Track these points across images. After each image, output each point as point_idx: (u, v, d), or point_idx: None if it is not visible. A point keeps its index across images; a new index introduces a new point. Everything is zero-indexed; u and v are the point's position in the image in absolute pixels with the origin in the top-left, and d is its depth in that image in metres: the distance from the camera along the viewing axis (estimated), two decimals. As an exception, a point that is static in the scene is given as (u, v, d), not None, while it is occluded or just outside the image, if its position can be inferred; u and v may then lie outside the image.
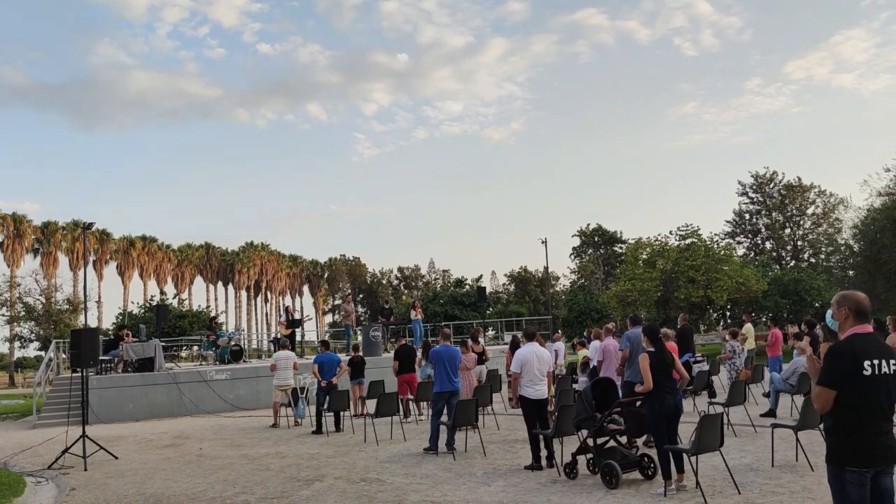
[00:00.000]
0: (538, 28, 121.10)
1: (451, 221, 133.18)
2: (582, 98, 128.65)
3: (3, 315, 47.14)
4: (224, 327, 39.54)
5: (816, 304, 40.11)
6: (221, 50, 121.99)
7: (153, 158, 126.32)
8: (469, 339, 16.33)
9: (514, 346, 15.08)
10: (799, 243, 56.23)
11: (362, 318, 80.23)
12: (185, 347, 36.76)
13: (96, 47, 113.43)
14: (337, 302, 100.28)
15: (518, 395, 9.69)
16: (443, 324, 29.64)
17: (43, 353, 40.52)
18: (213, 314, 45.06)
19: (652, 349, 7.98)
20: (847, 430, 4.04)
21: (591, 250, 78.57)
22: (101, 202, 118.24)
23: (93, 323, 54.78)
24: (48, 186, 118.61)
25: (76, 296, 50.15)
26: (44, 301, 46.05)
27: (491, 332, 39.35)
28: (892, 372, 4.05)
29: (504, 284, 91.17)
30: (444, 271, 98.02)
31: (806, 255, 55.26)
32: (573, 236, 79.71)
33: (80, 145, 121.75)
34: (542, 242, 45.85)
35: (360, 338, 24.31)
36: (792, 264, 52.68)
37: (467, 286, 61.89)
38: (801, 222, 56.45)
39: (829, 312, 4.45)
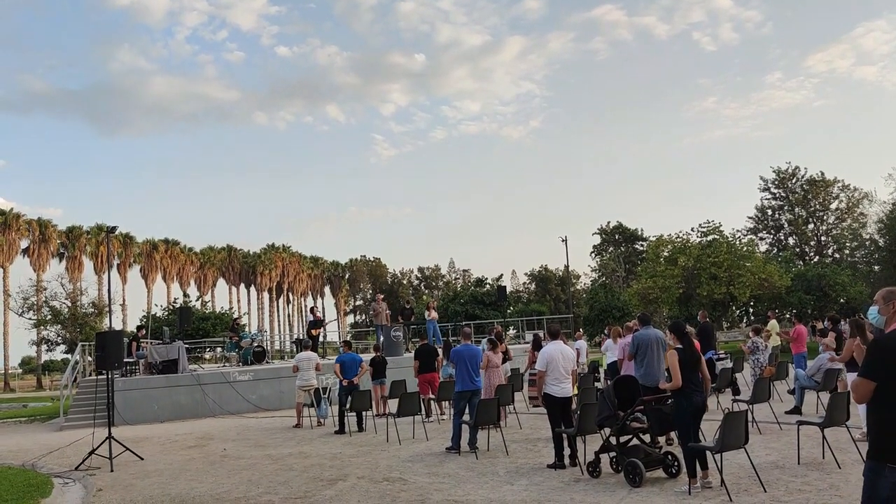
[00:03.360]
0: (555, 25, 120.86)
1: (471, 221, 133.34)
2: (600, 95, 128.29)
3: (30, 319, 47.79)
4: (246, 329, 39.81)
5: (841, 300, 39.66)
6: (240, 53, 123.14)
7: (174, 162, 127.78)
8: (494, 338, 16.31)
9: (537, 344, 15.03)
10: (823, 238, 55.58)
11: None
12: (208, 349, 37.05)
13: (116, 53, 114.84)
14: (359, 302, 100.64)
15: (543, 393, 9.66)
16: (463, 323, 29.64)
17: (69, 355, 41.00)
18: (235, 316, 45.39)
19: (679, 346, 7.90)
20: (890, 425, 3.97)
21: (611, 248, 78.22)
22: (123, 206, 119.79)
23: (117, 326, 55.34)
24: (71, 191, 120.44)
25: (101, 299, 50.68)
26: (69, 304, 46.59)
27: (512, 332, 39.25)
28: None
29: (524, 283, 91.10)
30: (464, 271, 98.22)
31: (830, 251, 54.62)
32: (593, 234, 79.55)
33: (102, 150, 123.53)
34: (563, 241, 45.78)
35: (381, 338, 24.38)
36: (816, 260, 52.09)
37: (488, 285, 61.87)
38: (825, 217, 55.78)
39: (871, 308, 4.40)
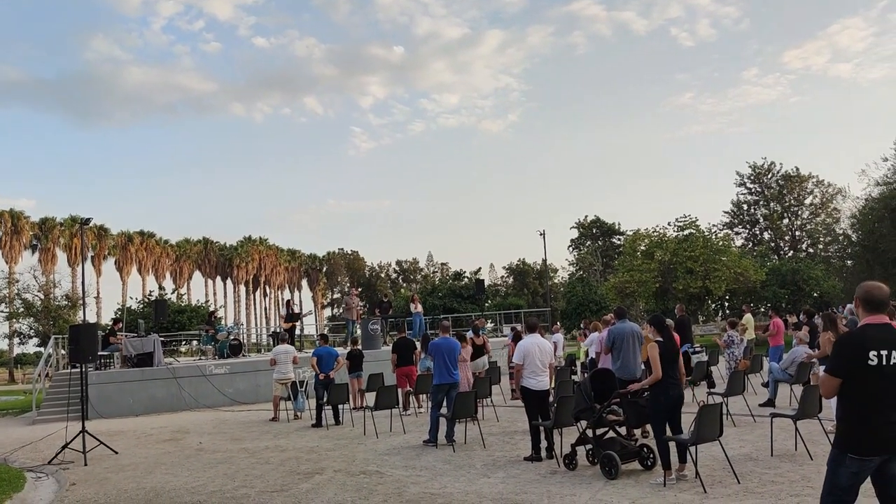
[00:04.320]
0: (534, 19, 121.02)
1: (449, 214, 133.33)
2: (579, 89, 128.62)
3: (2, 311, 47.14)
4: (223, 322, 39.54)
5: (815, 294, 40.18)
6: (217, 44, 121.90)
7: (150, 153, 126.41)
8: (470, 332, 16.35)
9: (517, 338, 15.07)
10: (797, 233, 56.27)
11: (362, 313, 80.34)
12: (184, 342, 36.76)
13: (91, 42, 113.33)
14: (336, 296, 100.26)
15: (520, 386, 9.69)
16: (441, 316, 29.66)
17: (42, 349, 40.53)
18: (211, 309, 45.09)
19: (660, 339, 7.94)
20: (855, 418, 4.11)
21: (589, 242, 78.62)
22: (98, 198, 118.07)
23: (91, 318, 54.80)
24: (45, 182, 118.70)
25: (74, 291, 50.13)
26: (42, 297, 46.03)
27: (490, 325, 39.33)
28: None
29: (502, 277, 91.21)
30: (442, 264, 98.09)
31: (804, 245, 55.32)
32: (571, 228, 79.86)
33: (77, 141, 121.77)
34: (541, 234, 45.94)
35: (359, 331, 24.33)
36: (790, 254, 52.73)
37: (466, 279, 61.97)
38: (800, 212, 56.49)
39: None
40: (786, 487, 7.27)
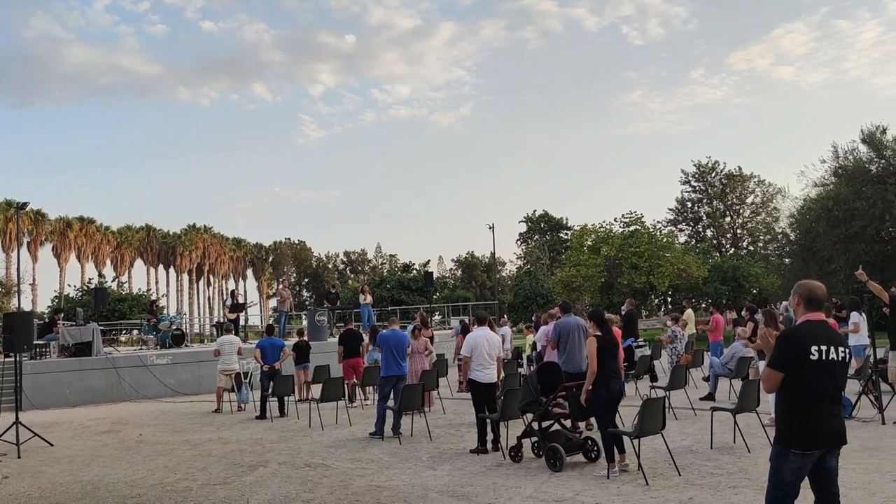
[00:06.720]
0: (487, 13, 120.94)
1: (399, 206, 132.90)
2: (530, 84, 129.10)
3: (-70, 298, 45.33)
4: (165, 311, 38.76)
5: (754, 291, 41.24)
6: (163, 26, 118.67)
7: (92, 136, 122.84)
8: (416, 324, 16.30)
9: (465, 330, 15.09)
10: (738, 231, 57.67)
11: (307, 303, 79.73)
12: (124, 332, 35.93)
13: (30, 20, 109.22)
14: (279, 286, 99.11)
15: (468, 378, 9.72)
16: (390, 308, 29.58)
17: (-26, 337, 39.14)
18: (153, 297, 44.14)
19: (599, 333, 8.06)
20: (796, 414, 4.25)
21: (537, 236, 79.39)
22: (36, 181, 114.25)
23: (27, 306, 53.20)
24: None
25: (9, 278, 48.49)
26: (-26, 283, 44.44)
27: (437, 317, 39.39)
28: (839, 359, 4.28)
29: (451, 269, 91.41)
30: (390, 256, 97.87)
31: (745, 243, 56.71)
32: (520, 222, 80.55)
33: (14, 121, 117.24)
34: (490, 228, 46.21)
35: (305, 322, 24.09)
36: (731, 252, 53.99)
37: (414, 271, 61.96)
38: (741, 211, 57.91)
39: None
40: (724, 479, 7.44)
